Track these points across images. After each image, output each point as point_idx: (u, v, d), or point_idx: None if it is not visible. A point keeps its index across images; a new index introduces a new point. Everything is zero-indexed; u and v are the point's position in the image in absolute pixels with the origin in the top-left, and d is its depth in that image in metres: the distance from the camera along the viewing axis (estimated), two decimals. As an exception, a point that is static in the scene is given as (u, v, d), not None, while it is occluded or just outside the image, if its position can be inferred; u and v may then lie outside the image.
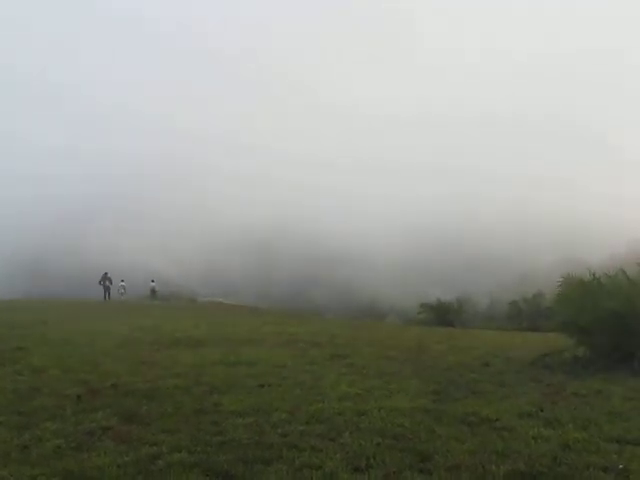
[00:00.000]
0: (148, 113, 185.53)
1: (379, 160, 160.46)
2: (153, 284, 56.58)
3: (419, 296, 53.72)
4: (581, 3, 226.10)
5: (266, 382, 10.14)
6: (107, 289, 49.53)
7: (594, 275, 13.79)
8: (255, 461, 6.04)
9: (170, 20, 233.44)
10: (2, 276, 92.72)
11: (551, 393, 9.59)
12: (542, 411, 8.22)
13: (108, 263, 60.69)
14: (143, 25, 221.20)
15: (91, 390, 9.55)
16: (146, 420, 7.67)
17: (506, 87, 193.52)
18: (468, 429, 7.29)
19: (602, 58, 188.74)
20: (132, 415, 7.91)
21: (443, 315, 43.71)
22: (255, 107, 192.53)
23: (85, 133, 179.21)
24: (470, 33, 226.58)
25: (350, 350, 14.68)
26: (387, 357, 13.63)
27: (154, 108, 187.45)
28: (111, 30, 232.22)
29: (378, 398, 8.97)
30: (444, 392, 9.51)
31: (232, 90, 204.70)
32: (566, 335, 13.65)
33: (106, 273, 50.81)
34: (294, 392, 9.39)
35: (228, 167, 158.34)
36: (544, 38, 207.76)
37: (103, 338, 17.01)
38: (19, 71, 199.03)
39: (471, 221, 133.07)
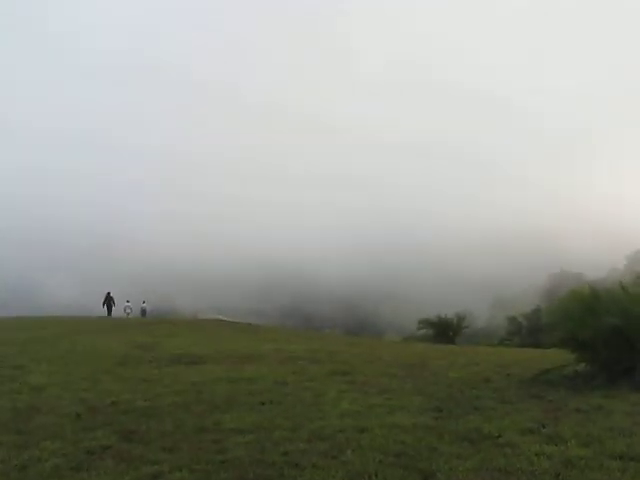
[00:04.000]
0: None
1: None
2: (144, 305, 57.21)
3: (419, 313, 53.48)
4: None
5: (267, 399, 10.11)
6: (110, 309, 49.67)
7: (593, 290, 13.79)
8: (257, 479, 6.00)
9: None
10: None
11: (553, 409, 9.53)
12: (544, 427, 8.16)
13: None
14: None
15: (91, 408, 9.51)
16: (146, 439, 7.62)
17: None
18: (470, 446, 7.24)
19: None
20: (132, 433, 7.87)
21: (443, 331, 43.64)
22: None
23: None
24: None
25: (350, 367, 14.63)
26: (388, 374, 13.57)
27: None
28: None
29: (379, 415, 8.94)
30: (446, 409, 9.45)
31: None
32: (566, 350, 13.60)
33: (109, 293, 50.88)
34: (295, 409, 9.35)
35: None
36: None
37: (103, 355, 16.95)
38: None
39: (461, 239, 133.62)
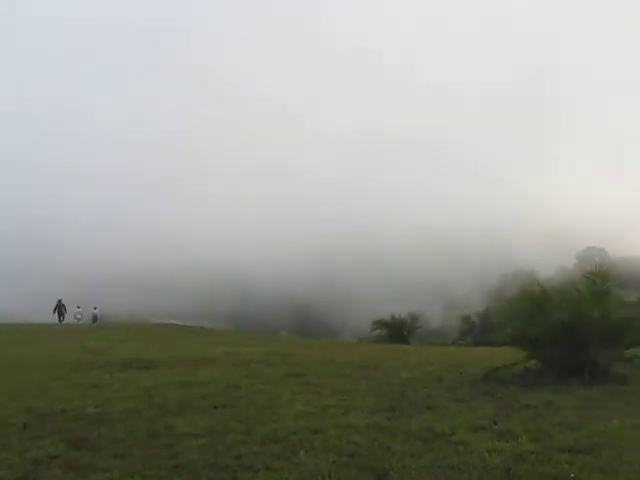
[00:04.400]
0: None
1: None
2: (95, 311, 56.61)
3: (373, 313, 53.71)
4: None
5: (220, 403, 10.01)
6: (61, 316, 48.90)
7: (542, 288, 14.01)
8: (209, 484, 5.94)
9: None
10: None
11: (504, 406, 9.65)
12: (495, 424, 8.26)
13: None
14: None
15: (39, 417, 9.29)
16: (96, 446, 7.47)
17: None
18: (423, 444, 7.29)
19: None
20: (81, 441, 7.69)
21: (397, 331, 43.89)
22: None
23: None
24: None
25: (304, 369, 14.62)
26: (342, 375, 13.59)
27: None
28: None
29: (333, 416, 8.93)
30: (399, 408, 9.50)
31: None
32: (517, 348, 13.79)
33: (60, 300, 50.08)
34: (248, 412, 9.28)
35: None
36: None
37: (53, 362, 16.65)
38: None
39: (412, 238, 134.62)
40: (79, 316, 52.23)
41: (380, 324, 45.31)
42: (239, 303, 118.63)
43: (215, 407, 9.73)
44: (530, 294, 13.83)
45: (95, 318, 55.08)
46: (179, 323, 47.17)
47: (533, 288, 14.35)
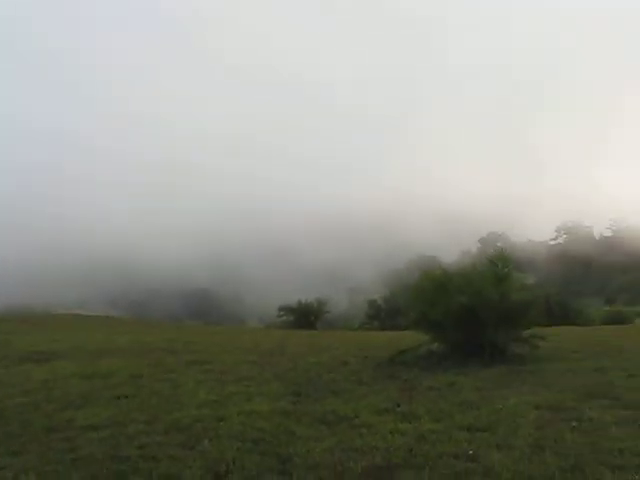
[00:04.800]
0: None
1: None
2: None
3: (281, 299, 53.75)
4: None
5: (122, 394, 9.80)
6: None
7: (445, 271, 14.34)
8: (109, 476, 5.82)
9: None
10: None
11: (407, 388, 9.84)
12: (399, 406, 8.43)
13: None
14: None
15: None
16: (-10, 443, 7.20)
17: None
18: (327, 428, 7.36)
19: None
20: (-26, 439, 7.40)
21: (304, 317, 44.05)
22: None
23: None
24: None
25: (209, 356, 14.48)
26: (247, 361, 13.54)
27: None
28: None
29: (237, 403, 8.91)
30: (304, 393, 9.57)
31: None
32: (421, 331, 14.10)
33: None
34: (151, 402, 9.14)
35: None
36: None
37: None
38: None
39: (316, 224, 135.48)
40: None
41: (287, 310, 45.34)
42: (143, 293, 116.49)
43: (118, 398, 9.53)
44: (432, 278, 14.14)
45: None
46: (83, 314, 46.03)
47: (435, 272, 14.69)
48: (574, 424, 7.15)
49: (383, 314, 49.74)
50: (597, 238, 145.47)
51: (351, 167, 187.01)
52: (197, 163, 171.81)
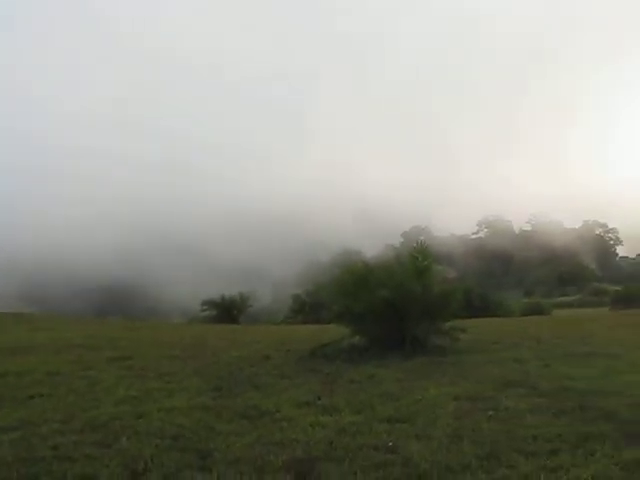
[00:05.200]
0: None
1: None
2: None
3: (204, 294, 53.25)
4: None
5: (37, 393, 9.44)
6: None
7: (366, 265, 14.45)
8: (20, 479, 5.61)
9: None
10: None
11: (329, 381, 9.91)
12: (320, 399, 8.45)
13: None
14: None
15: None
16: None
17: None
18: (248, 423, 7.31)
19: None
20: None
21: (227, 311, 43.79)
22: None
23: None
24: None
25: (130, 352, 14.21)
26: (168, 356, 13.37)
27: None
28: None
29: (157, 399, 8.75)
30: (225, 388, 9.48)
31: None
32: (343, 324, 14.18)
33: None
34: (68, 400, 8.86)
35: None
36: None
37: None
38: None
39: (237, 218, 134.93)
40: None
41: (210, 304, 44.95)
42: (60, 288, 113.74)
43: (32, 397, 9.18)
44: (354, 271, 14.23)
45: None
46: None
47: (357, 265, 14.78)
48: (491, 413, 7.32)
49: (307, 308, 49.83)
50: (517, 232, 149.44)
51: (271, 161, 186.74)
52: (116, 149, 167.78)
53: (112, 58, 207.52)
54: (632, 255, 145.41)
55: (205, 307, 45.33)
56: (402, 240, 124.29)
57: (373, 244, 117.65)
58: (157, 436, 6.76)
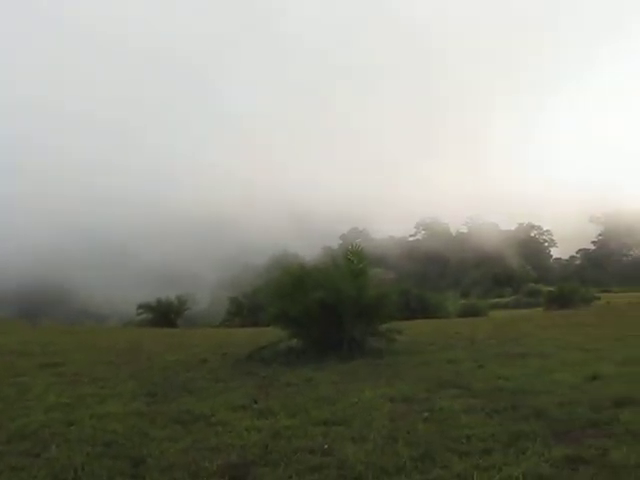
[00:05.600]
0: None
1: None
2: None
3: (140, 297, 52.47)
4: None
5: (-38, 403, 9.16)
6: None
7: (303, 267, 14.46)
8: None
9: None
10: None
11: (265, 385, 9.87)
12: (256, 403, 8.40)
13: None
14: None
15: None
16: None
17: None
18: (182, 428, 7.21)
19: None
20: None
21: (164, 315, 43.26)
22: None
23: None
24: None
25: (63, 358, 13.88)
26: (102, 362, 13.13)
27: None
28: None
29: (90, 405, 8.57)
30: (159, 393, 9.35)
31: None
32: (280, 327, 14.16)
33: None
34: (-5, 409, 8.61)
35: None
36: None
37: None
38: None
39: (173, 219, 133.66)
40: None
41: (146, 308, 44.31)
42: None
43: (-45, 407, 8.90)
44: (291, 274, 14.22)
45: None
46: None
47: (294, 268, 14.77)
48: (426, 414, 7.37)
49: (244, 311, 49.60)
50: (453, 234, 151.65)
51: (204, 163, 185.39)
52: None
53: (33, 46, 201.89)
54: (565, 256, 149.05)
55: (141, 310, 44.64)
56: (340, 242, 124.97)
57: (311, 247, 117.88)
58: (89, 443, 6.61)
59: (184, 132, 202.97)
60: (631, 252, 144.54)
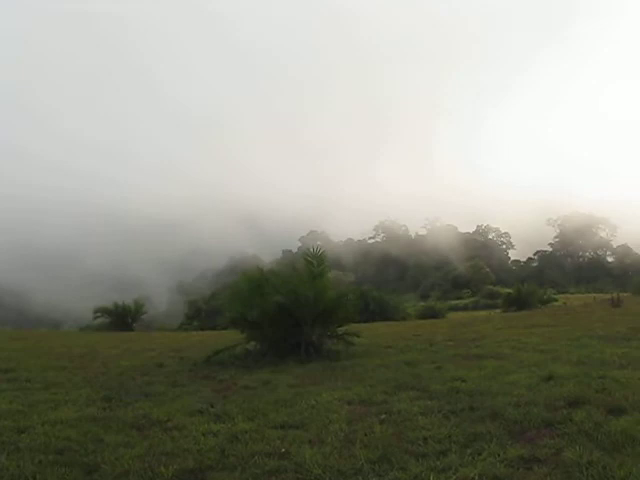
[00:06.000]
0: None
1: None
2: None
3: (99, 301, 51.81)
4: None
5: None
6: None
7: (261, 271, 14.42)
8: None
9: None
10: None
11: (222, 389, 9.80)
12: (213, 407, 8.33)
13: None
14: None
15: None
16: None
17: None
18: (138, 433, 7.11)
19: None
20: None
21: (121, 318, 42.81)
22: None
23: None
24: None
25: (15, 363, 13.60)
26: (56, 367, 12.89)
27: None
28: None
29: (42, 412, 8.36)
30: (115, 398, 9.21)
31: None
32: (238, 330, 14.10)
33: None
34: (-60, 420, 8.35)
35: None
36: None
37: None
38: None
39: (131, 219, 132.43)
40: None
41: (103, 311, 43.81)
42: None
43: None
44: (250, 277, 14.17)
45: None
46: None
47: (253, 272, 14.73)
48: (383, 416, 7.36)
49: (203, 314, 49.41)
50: (412, 237, 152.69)
51: (159, 166, 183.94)
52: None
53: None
54: (523, 258, 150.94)
55: (98, 315, 44.14)
56: (300, 245, 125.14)
57: (271, 250, 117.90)
58: (41, 451, 6.46)
59: (134, 133, 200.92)
60: (587, 253, 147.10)
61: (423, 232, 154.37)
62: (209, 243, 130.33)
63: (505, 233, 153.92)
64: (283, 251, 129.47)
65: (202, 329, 40.32)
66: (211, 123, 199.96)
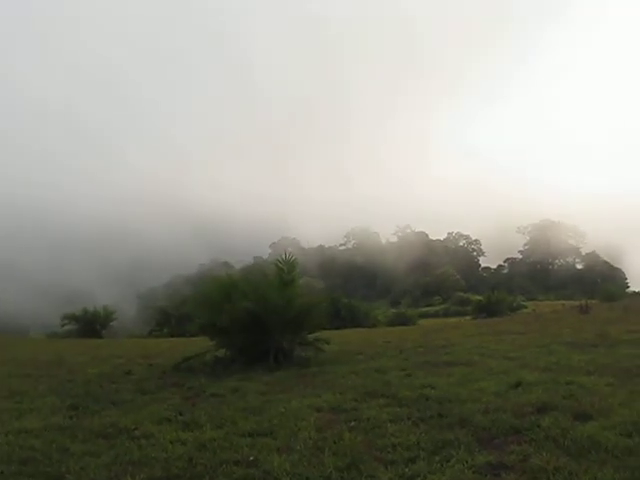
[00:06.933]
0: None
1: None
2: None
3: (68, 307, 51.22)
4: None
5: None
6: None
7: (231, 277, 14.35)
8: None
9: None
10: None
11: (191, 396, 9.72)
12: (181, 415, 8.24)
13: None
14: None
15: None
16: None
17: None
18: (105, 442, 7.01)
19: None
20: None
21: (89, 325, 42.38)
22: None
23: None
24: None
25: (-23, 371, 13.39)
26: (21, 375, 12.69)
27: None
28: None
29: (5, 421, 8.22)
30: (82, 406, 9.08)
31: None
32: (207, 337, 14.00)
33: None
34: None
35: None
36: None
37: None
38: None
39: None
40: None
41: (71, 318, 43.33)
42: None
43: None
44: (219, 284, 14.08)
45: None
46: None
47: (222, 278, 14.66)
48: (352, 424, 7.34)
49: (172, 321, 49.03)
50: (383, 243, 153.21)
51: (116, 175, 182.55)
52: None
53: None
54: (493, 266, 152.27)
55: (66, 321, 43.64)
56: (270, 252, 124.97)
57: (241, 256, 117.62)
58: (3, 462, 6.33)
59: (80, 140, 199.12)
60: (556, 261, 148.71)
61: (394, 239, 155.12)
62: (185, 249, 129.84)
63: (476, 240, 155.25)
64: (254, 257, 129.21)
65: (172, 336, 40.01)
66: (167, 131, 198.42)
